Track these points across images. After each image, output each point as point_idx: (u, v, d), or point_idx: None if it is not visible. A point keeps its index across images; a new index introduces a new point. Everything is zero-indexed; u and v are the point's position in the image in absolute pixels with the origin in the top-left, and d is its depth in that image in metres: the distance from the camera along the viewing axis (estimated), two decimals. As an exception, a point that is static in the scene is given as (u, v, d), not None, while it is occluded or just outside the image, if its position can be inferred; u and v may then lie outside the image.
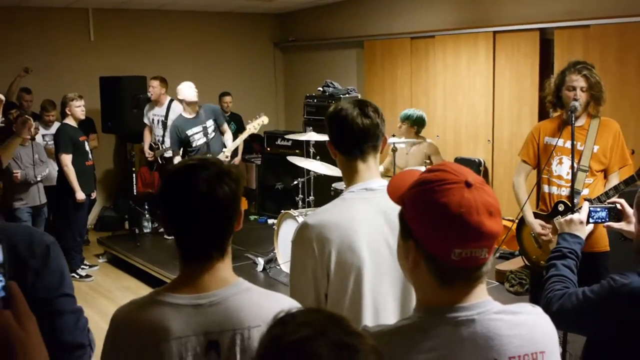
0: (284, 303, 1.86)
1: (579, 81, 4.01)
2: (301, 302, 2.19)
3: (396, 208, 1.55)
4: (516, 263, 6.34)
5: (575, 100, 3.98)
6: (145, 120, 8.35)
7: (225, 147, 7.13)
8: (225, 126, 7.35)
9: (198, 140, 7.13)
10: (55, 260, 2.22)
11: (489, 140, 7.90)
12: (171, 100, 8.16)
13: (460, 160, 7.86)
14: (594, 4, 6.88)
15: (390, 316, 2.22)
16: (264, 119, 6.91)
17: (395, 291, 2.26)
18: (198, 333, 1.73)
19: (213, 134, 7.19)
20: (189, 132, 7.04)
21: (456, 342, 1.43)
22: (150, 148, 8.21)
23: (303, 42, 10.88)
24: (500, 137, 7.84)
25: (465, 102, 8.15)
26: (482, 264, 1.43)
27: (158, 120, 8.21)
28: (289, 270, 6.25)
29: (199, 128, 7.06)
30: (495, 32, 7.79)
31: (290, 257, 2.33)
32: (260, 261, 6.84)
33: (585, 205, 2.64)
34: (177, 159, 7.08)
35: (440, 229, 1.39)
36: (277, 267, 6.64)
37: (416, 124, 6.38)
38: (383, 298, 2.22)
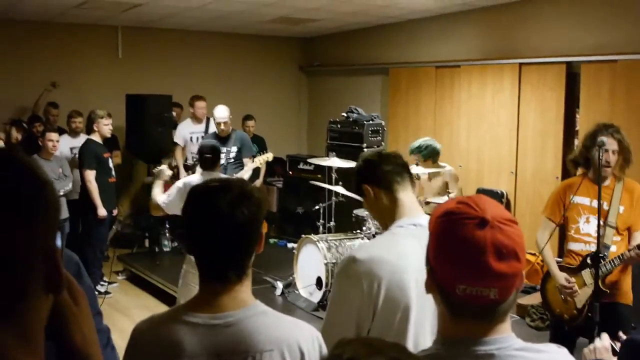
0: (301, 328, 1.88)
1: (612, 144, 4.02)
2: (340, 334, 2.17)
3: None
4: (537, 298, 6.25)
5: (607, 161, 4.02)
6: (178, 140, 8.46)
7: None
8: (247, 160, 7.35)
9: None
10: (87, 278, 2.24)
11: (512, 172, 7.86)
12: (208, 119, 8.37)
13: (482, 191, 7.83)
14: (621, 39, 6.86)
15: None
16: (269, 156, 6.97)
17: (433, 329, 2.24)
18: (210, 353, 1.74)
19: (232, 160, 7.31)
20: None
21: None
22: (186, 168, 8.29)
23: (328, 66, 10.94)
24: (523, 169, 7.80)
25: (489, 132, 8.13)
26: (492, 303, 1.39)
27: (197, 138, 8.32)
28: (306, 295, 6.29)
29: (223, 149, 7.07)
30: (521, 64, 7.78)
31: (333, 289, 2.32)
32: (279, 285, 6.83)
33: (605, 336, 2.54)
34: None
35: (448, 261, 1.40)
36: (296, 291, 6.63)
37: (429, 156, 6.24)
38: (423, 335, 2.21)
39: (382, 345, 1.20)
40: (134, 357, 1.84)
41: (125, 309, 7.06)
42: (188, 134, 8.51)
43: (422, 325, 2.21)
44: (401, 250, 2.24)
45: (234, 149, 7.34)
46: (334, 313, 2.28)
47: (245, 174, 6.80)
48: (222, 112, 7.25)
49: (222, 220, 1.77)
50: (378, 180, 2.39)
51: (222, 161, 7.01)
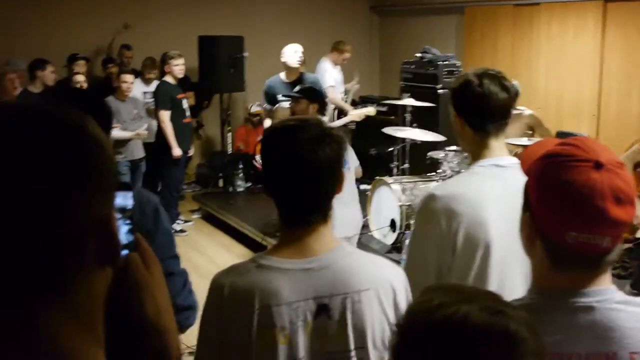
0: (389, 267, 1.86)
1: None
2: (421, 272, 2.16)
3: None
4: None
5: None
6: (331, 82, 8.35)
7: None
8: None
9: (282, 106, 6.75)
10: (165, 222, 2.25)
11: (594, 115, 7.59)
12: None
13: (562, 134, 7.59)
14: None
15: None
16: (370, 110, 6.73)
17: (524, 275, 2.17)
18: (308, 297, 1.72)
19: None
20: (279, 97, 6.86)
21: (573, 329, 1.35)
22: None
23: (401, 6, 10.68)
24: (607, 112, 7.51)
25: (570, 74, 7.84)
26: (602, 252, 1.32)
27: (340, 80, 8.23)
28: (379, 237, 6.26)
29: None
30: (606, 2, 7.42)
31: (413, 226, 2.28)
32: (352, 227, 6.81)
33: None
34: (267, 122, 6.98)
35: (558, 207, 1.31)
36: (369, 233, 6.60)
37: None
38: (510, 280, 2.13)
39: (474, 292, 1.15)
40: (223, 307, 1.75)
41: (200, 247, 7.19)
42: (337, 74, 8.26)
43: (508, 269, 2.13)
44: (481, 189, 2.17)
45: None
46: (414, 249, 2.27)
47: (337, 123, 6.65)
48: (294, 57, 6.74)
49: (303, 161, 1.71)
50: (470, 118, 2.26)
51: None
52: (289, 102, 6.67)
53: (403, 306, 1.78)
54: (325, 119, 6.72)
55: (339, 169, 1.78)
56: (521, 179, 1.47)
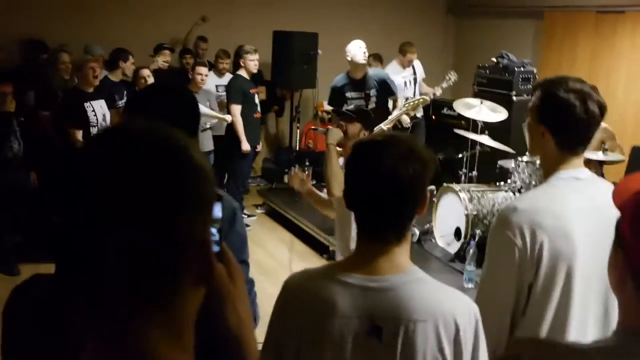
0: (458, 300, 1.78)
1: None
2: (498, 291, 2.09)
3: (611, 206, 1.39)
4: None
5: None
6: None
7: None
8: (396, 97, 6.88)
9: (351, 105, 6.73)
10: (240, 226, 2.26)
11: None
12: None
13: (638, 150, 7.34)
14: None
15: (592, 321, 2.08)
16: (424, 99, 6.55)
17: (600, 296, 2.08)
18: (362, 315, 1.69)
19: (374, 105, 6.75)
20: (348, 95, 6.80)
21: None
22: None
23: (479, 8, 10.48)
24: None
25: (652, 86, 7.57)
26: None
27: (409, 81, 8.20)
28: (443, 244, 6.17)
29: (359, 94, 6.75)
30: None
31: (490, 242, 2.18)
32: (416, 231, 6.71)
33: None
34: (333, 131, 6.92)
35: None
36: (432, 240, 6.53)
37: None
38: (591, 300, 2.07)
39: (567, 350, 1.09)
40: (286, 311, 1.81)
41: (262, 242, 7.22)
42: (400, 79, 8.22)
43: (591, 281, 2.05)
44: (564, 202, 2.09)
45: (373, 92, 6.77)
46: (493, 269, 2.16)
47: (391, 122, 6.41)
48: (360, 53, 6.62)
49: (385, 177, 1.68)
50: (559, 132, 2.15)
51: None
52: (358, 99, 6.72)
53: (468, 345, 1.72)
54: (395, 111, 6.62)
55: (423, 188, 1.75)
56: (601, 193, 1.41)
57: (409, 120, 6.58)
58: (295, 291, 1.81)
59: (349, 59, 6.74)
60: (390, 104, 6.95)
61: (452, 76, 6.64)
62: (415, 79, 8.37)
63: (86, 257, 0.86)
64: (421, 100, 6.56)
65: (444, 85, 6.58)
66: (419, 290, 1.72)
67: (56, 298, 1.46)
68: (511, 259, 2.05)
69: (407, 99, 6.70)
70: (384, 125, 6.37)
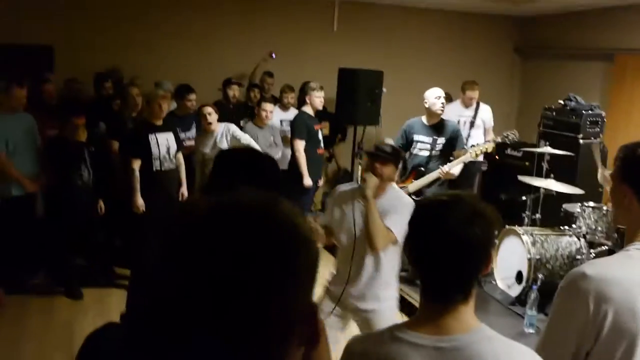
0: (527, 358, 1.76)
1: None
2: (557, 353, 2.04)
3: None
4: None
5: None
6: None
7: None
8: (459, 152, 6.59)
9: (421, 150, 6.68)
10: None
11: None
12: (478, 104, 8.38)
13: None
14: None
15: None
16: (489, 146, 6.50)
17: None
18: None
19: (439, 153, 6.62)
20: (416, 137, 6.76)
21: None
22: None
23: (546, 49, 10.40)
24: None
25: None
26: None
27: (464, 122, 8.21)
28: (504, 287, 6.07)
29: (428, 139, 6.64)
30: None
31: (555, 302, 2.13)
32: (476, 273, 6.64)
33: None
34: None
35: None
36: (493, 282, 6.43)
37: None
38: None
39: None
40: None
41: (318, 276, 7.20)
42: (456, 117, 8.15)
43: None
44: (637, 275, 2.00)
45: (442, 140, 6.62)
46: (554, 330, 2.11)
47: (457, 166, 6.40)
48: (437, 104, 6.55)
49: (452, 239, 1.69)
50: None
51: (426, 153, 6.66)
52: (426, 143, 6.69)
53: None
54: (456, 161, 6.53)
55: (489, 248, 1.74)
56: None
57: (456, 173, 6.49)
58: (362, 355, 1.79)
59: (426, 105, 6.68)
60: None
61: (513, 135, 6.55)
62: (472, 122, 8.31)
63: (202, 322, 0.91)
64: (487, 146, 6.47)
65: (499, 139, 6.50)
66: (490, 349, 1.70)
67: (130, 351, 1.51)
68: (572, 325, 2.02)
69: (472, 146, 6.63)
70: (445, 169, 6.37)
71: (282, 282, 0.91)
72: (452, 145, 6.62)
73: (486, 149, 6.47)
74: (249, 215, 0.94)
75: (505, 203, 8.19)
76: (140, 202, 6.36)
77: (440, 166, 6.41)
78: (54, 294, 6.46)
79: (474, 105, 8.43)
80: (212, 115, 6.93)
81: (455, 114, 8.15)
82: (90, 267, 6.75)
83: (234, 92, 8.37)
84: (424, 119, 6.73)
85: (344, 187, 4.31)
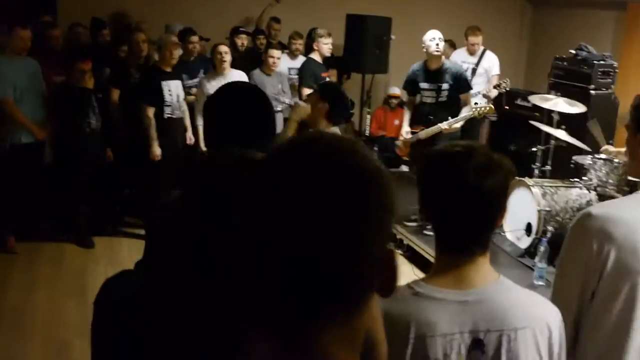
0: (548, 306, 1.79)
1: None
2: (565, 293, 2.09)
3: None
4: None
5: None
6: None
7: (450, 117, 6.41)
8: (467, 95, 6.65)
9: (427, 97, 6.64)
10: None
11: None
12: (484, 50, 8.29)
13: None
14: None
15: None
16: (490, 108, 6.46)
17: None
18: (463, 331, 1.68)
19: (446, 99, 6.55)
20: (421, 85, 6.65)
21: None
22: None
23: (558, -4, 10.22)
24: None
25: None
26: None
27: (467, 69, 8.03)
28: (513, 239, 6.09)
29: (433, 86, 6.58)
30: None
31: (563, 243, 2.17)
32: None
33: None
34: (407, 111, 6.90)
35: None
36: (502, 234, 6.44)
37: None
38: None
39: None
40: None
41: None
42: (459, 63, 7.93)
43: None
44: None
45: (446, 86, 6.52)
46: (562, 267, 2.17)
47: (458, 122, 6.38)
48: (432, 45, 6.42)
49: (468, 190, 1.66)
50: None
51: (431, 100, 6.62)
52: (430, 90, 6.65)
53: (556, 348, 1.73)
54: (465, 109, 6.52)
55: (504, 199, 1.74)
56: None
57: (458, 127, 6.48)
58: (385, 314, 1.77)
59: (424, 49, 6.61)
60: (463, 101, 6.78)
61: (504, 83, 6.52)
62: (474, 70, 8.22)
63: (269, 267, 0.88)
64: (488, 108, 6.44)
65: (495, 91, 6.44)
66: (513, 299, 1.72)
67: (147, 295, 1.52)
68: (578, 263, 2.05)
69: (476, 103, 6.59)
70: (445, 125, 6.34)
71: (369, 223, 0.88)
72: (458, 89, 6.57)
73: (486, 110, 6.43)
74: (333, 152, 0.90)
75: (515, 154, 8.13)
76: (157, 151, 6.35)
77: (449, 117, 6.39)
78: (64, 242, 6.48)
79: (479, 52, 8.34)
80: (227, 54, 6.83)
81: (459, 60, 8.07)
82: (100, 216, 6.75)
83: (242, 40, 8.20)
84: (426, 64, 6.64)
85: None
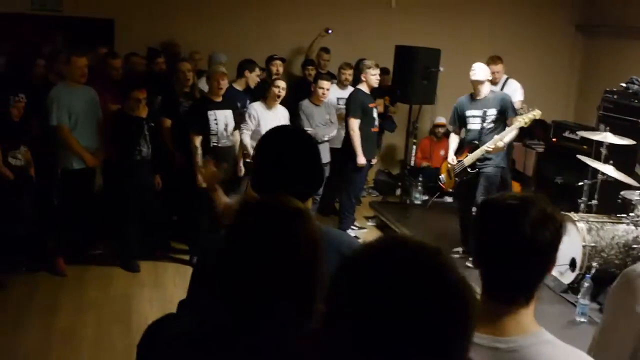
0: None
1: None
2: (611, 355, 2.05)
3: None
4: None
5: None
6: None
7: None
8: (512, 120, 6.59)
9: (472, 124, 6.70)
10: None
11: None
12: (507, 79, 8.29)
13: None
14: None
15: None
16: (537, 113, 6.47)
17: None
18: None
19: (492, 124, 6.59)
20: (467, 113, 6.72)
21: None
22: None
23: (610, 27, 10.09)
24: None
25: None
26: None
27: None
28: (556, 274, 6.00)
29: (479, 112, 6.64)
30: None
31: (608, 302, 2.15)
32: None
33: None
34: (454, 138, 6.94)
35: None
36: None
37: None
38: None
39: None
40: None
41: (372, 257, 7.20)
42: None
43: None
44: None
45: (492, 111, 6.57)
46: (608, 330, 2.11)
47: (508, 135, 6.48)
48: (479, 74, 6.58)
49: (522, 242, 1.67)
50: None
51: (478, 126, 6.67)
52: (476, 117, 6.68)
53: None
54: (508, 134, 6.52)
55: (556, 252, 1.74)
56: None
57: (506, 142, 6.54)
58: None
59: (472, 79, 6.70)
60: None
61: (526, 109, 6.52)
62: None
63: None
64: (534, 114, 6.46)
65: (526, 119, 6.42)
66: (546, 353, 1.70)
67: (193, 341, 1.58)
68: (629, 327, 2.01)
69: (521, 113, 6.60)
70: (490, 145, 6.45)
71: (460, 329, 0.98)
72: (504, 115, 6.62)
73: (534, 116, 6.44)
74: (428, 258, 1.01)
75: (561, 187, 8.07)
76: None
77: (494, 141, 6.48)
78: (111, 265, 6.65)
79: (502, 81, 8.35)
80: (284, 90, 7.05)
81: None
82: (147, 241, 6.90)
83: (277, 67, 8.29)
84: (472, 94, 6.77)
85: None
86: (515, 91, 8.29)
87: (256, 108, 7.05)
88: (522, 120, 6.43)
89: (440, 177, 7.12)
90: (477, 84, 6.64)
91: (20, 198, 6.09)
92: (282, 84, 7.07)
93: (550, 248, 1.70)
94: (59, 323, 5.48)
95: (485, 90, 6.66)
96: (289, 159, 2.29)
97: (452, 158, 6.81)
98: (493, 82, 8.26)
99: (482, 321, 1.70)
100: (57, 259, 6.46)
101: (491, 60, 8.27)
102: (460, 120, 6.85)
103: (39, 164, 6.35)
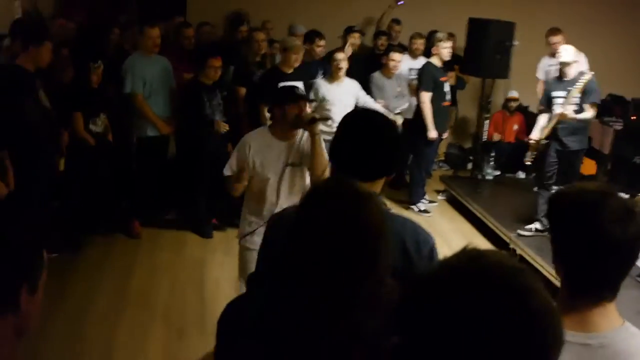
0: None
1: None
2: None
3: None
4: None
5: None
6: (539, 75, 8.28)
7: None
8: (588, 106, 6.43)
9: (558, 105, 6.50)
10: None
11: None
12: None
13: None
14: None
15: None
16: (587, 77, 6.31)
17: None
18: None
19: (576, 107, 6.42)
20: (553, 94, 6.59)
21: None
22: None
23: None
24: None
25: None
26: None
27: (550, 71, 7.92)
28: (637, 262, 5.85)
29: (564, 93, 6.46)
30: None
31: None
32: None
33: None
34: (542, 117, 6.77)
35: None
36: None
37: None
38: None
39: None
40: None
41: (442, 232, 7.11)
42: (547, 67, 8.12)
43: None
44: None
45: (576, 93, 6.36)
46: None
47: (568, 106, 6.35)
48: (567, 55, 6.48)
49: (607, 239, 1.64)
50: None
51: (559, 109, 6.47)
52: (561, 98, 6.50)
53: None
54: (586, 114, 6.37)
55: (639, 248, 1.70)
56: None
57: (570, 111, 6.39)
58: None
59: (564, 60, 6.60)
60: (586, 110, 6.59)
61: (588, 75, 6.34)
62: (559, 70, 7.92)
63: None
64: (586, 77, 6.30)
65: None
66: (635, 345, 1.69)
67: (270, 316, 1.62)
68: None
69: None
70: (561, 110, 6.35)
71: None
72: (587, 98, 6.48)
73: (586, 80, 6.30)
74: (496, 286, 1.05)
75: (639, 168, 7.82)
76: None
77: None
78: (184, 230, 6.79)
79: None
80: (344, 62, 6.85)
81: (545, 64, 8.12)
82: (219, 208, 6.99)
83: (355, 39, 8.25)
84: (560, 75, 6.70)
85: (253, 135, 4.52)
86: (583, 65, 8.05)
87: (319, 83, 6.94)
88: (580, 85, 6.28)
89: (527, 154, 6.94)
90: (564, 65, 6.57)
91: (99, 163, 6.25)
92: (340, 55, 6.89)
93: (634, 243, 1.66)
94: (135, 284, 5.63)
95: (573, 72, 6.53)
96: (367, 146, 2.24)
97: (536, 135, 6.71)
98: (553, 53, 8.06)
99: (571, 318, 1.69)
100: (132, 222, 6.63)
101: (550, 32, 8.10)
102: (547, 101, 6.73)
103: (116, 130, 6.49)
